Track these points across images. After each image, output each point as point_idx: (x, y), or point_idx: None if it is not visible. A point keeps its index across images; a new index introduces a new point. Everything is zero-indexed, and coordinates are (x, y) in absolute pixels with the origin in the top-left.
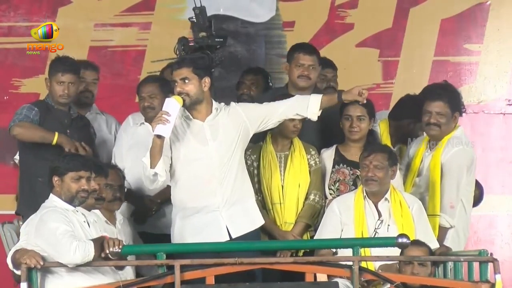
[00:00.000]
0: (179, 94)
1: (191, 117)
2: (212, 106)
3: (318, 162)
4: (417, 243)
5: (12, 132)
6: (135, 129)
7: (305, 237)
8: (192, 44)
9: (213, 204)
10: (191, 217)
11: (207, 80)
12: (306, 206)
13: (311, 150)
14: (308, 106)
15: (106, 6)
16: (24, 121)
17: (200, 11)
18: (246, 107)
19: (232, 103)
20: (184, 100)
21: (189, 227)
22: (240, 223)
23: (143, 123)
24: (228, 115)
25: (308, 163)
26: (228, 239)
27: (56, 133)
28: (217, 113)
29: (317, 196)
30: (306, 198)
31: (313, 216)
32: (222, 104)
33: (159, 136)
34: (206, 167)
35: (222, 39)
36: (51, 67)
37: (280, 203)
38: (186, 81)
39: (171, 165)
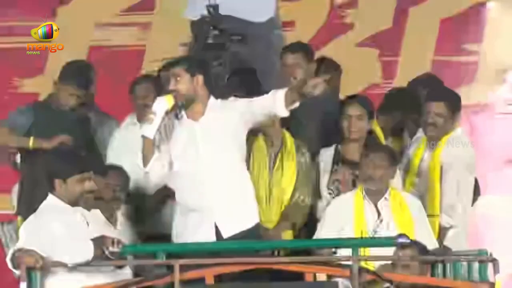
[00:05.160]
0: (171, 92)
1: (185, 116)
2: (207, 105)
3: (307, 161)
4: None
5: None
6: (128, 129)
7: (289, 236)
8: (211, 42)
9: (205, 205)
10: (186, 216)
11: (199, 78)
12: (292, 205)
13: (302, 148)
14: (275, 102)
15: (106, 6)
16: (5, 127)
17: (214, 8)
18: (242, 102)
19: (231, 98)
20: (175, 98)
21: (184, 225)
22: (231, 223)
23: (135, 123)
24: (223, 112)
25: (298, 161)
26: (215, 239)
27: (32, 138)
28: (211, 112)
29: (303, 195)
30: (293, 196)
31: (299, 215)
32: (219, 100)
33: (144, 137)
34: (198, 167)
35: (240, 37)
36: (66, 73)
37: (267, 201)
38: (178, 78)
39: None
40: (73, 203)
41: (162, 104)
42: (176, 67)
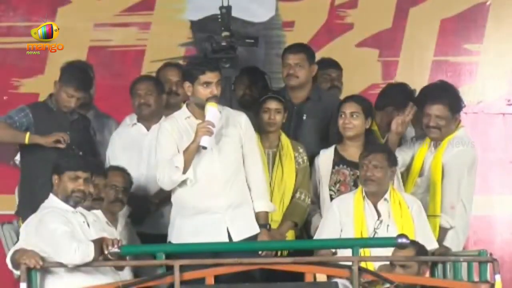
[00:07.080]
0: (215, 96)
1: (195, 119)
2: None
3: (305, 161)
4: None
5: None
6: (127, 130)
7: (291, 235)
8: (224, 43)
9: (216, 206)
10: (193, 217)
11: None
12: (292, 204)
13: (299, 148)
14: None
15: (106, 6)
16: (2, 121)
17: (226, 10)
18: (248, 132)
19: (242, 113)
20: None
21: (189, 226)
22: (242, 227)
23: (135, 123)
24: (230, 119)
25: (296, 161)
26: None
27: (28, 133)
28: (220, 115)
29: (303, 194)
30: (293, 196)
31: (300, 215)
32: (226, 107)
33: (204, 148)
34: (211, 169)
35: (253, 40)
36: (67, 74)
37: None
38: (219, 82)
39: None
40: (65, 200)
41: (216, 113)
42: (217, 71)
